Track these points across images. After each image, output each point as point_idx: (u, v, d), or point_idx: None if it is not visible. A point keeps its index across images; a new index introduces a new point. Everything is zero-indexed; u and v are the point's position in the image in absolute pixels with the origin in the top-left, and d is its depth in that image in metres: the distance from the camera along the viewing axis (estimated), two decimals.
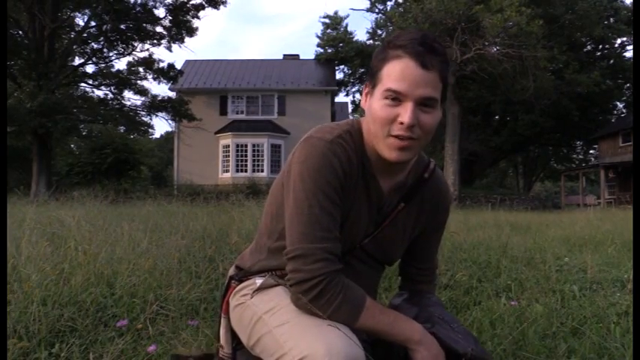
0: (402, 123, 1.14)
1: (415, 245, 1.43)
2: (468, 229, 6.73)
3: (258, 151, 25.04)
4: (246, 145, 25.14)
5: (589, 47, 31.44)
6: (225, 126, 25.91)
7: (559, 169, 39.17)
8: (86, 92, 23.54)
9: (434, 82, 1.15)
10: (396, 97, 1.14)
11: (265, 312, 1.21)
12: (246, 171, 24.73)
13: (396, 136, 1.16)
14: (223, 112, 26.65)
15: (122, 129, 25.60)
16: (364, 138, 1.26)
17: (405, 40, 1.15)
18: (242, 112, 26.76)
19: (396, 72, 1.14)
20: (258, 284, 1.31)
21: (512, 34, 18.67)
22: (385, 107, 1.15)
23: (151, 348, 1.94)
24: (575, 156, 40.00)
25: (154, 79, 23.38)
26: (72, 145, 31.60)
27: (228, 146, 25.32)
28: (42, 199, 8.90)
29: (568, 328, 2.34)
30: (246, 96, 26.84)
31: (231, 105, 26.82)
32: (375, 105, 1.18)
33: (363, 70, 28.69)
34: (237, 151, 25.18)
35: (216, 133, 25.56)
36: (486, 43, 19.50)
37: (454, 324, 1.25)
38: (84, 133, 26.29)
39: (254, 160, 25.00)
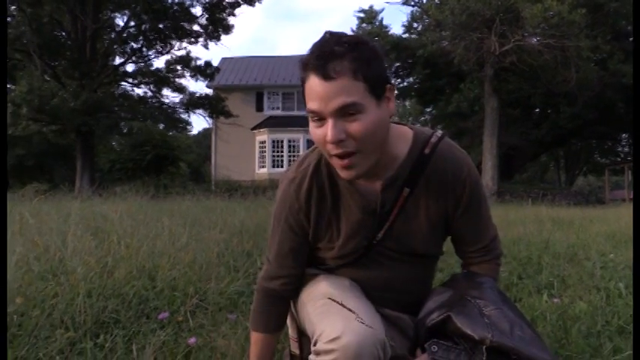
0: (328, 142, 1.12)
1: (451, 230, 1.38)
2: (507, 224, 6.61)
3: (294, 146, 25.14)
4: (282, 141, 25.28)
5: None
6: (262, 122, 26.11)
7: (603, 162, 37.88)
8: (126, 91, 24.07)
9: (345, 88, 1.08)
10: (318, 117, 1.13)
11: (306, 297, 1.37)
12: (282, 166, 24.87)
13: (336, 156, 1.14)
14: (259, 108, 26.85)
15: (161, 126, 26.11)
16: None
17: (308, 56, 1.12)
18: (278, 108, 26.91)
19: (308, 92, 1.12)
20: (305, 272, 1.44)
21: (554, 24, 18.06)
22: (315, 129, 1.15)
23: (192, 340, 1.98)
24: (620, 149, 38.60)
25: (192, 76, 23.67)
26: (113, 143, 32.44)
27: (264, 142, 25.52)
28: (86, 194, 9.20)
29: (614, 327, 2.27)
30: (282, 92, 26.96)
31: (267, 101, 27.01)
32: (311, 128, 1.18)
33: (398, 64, 28.38)
34: (274, 146, 25.35)
35: (253, 129, 25.79)
36: (526, 34, 18.96)
37: (490, 307, 1.16)
38: (124, 131, 26.89)
39: (290, 156, 25.12)
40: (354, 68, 1.09)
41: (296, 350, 1.54)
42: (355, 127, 1.11)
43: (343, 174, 1.18)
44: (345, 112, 1.10)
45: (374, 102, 1.13)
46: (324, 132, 1.13)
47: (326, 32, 1.16)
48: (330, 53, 1.09)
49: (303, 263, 1.40)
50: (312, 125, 1.16)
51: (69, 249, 2.97)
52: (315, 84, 1.10)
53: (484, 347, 1.08)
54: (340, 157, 1.14)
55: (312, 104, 1.12)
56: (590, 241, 5.06)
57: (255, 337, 1.43)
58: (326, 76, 1.08)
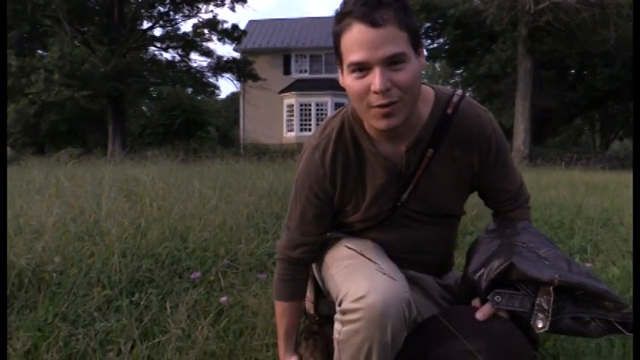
0: (375, 92, 1.10)
1: (481, 186, 1.37)
2: (539, 188, 6.51)
3: (321, 110, 24.99)
4: (310, 105, 25.14)
5: None
6: (289, 85, 25.96)
7: None
8: (155, 55, 24.16)
9: (393, 37, 1.08)
10: (361, 68, 1.10)
11: (329, 259, 1.37)
12: (310, 130, 24.79)
13: (377, 106, 1.12)
14: (287, 71, 26.67)
15: (189, 90, 26.23)
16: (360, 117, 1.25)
17: (349, 5, 1.10)
18: (306, 71, 26.66)
19: (351, 42, 1.10)
20: (327, 236, 1.44)
21: None
22: (355, 81, 1.13)
23: (223, 299, 2.03)
24: None
25: (219, 40, 23.57)
26: (143, 108, 32.79)
27: (292, 105, 25.43)
28: (118, 158, 9.37)
29: None
30: (309, 55, 26.66)
31: (295, 64, 26.77)
32: (347, 82, 1.16)
33: (428, 24, 27.66)
34: (301, 110, 25.24)
35: (280, 92, 25.69)
36: None
37: (543, 249, 1.17)
38: (154, 95, 27.15)
39: (318, 120, 25.00)
40: (399, 18, 1.09)
41: (310, 310, 1.58)
42: (401, 76, 1.10)
43: (382, 123, 1.15)
44: (392, 62, 1.09)
45: (413, 53, 1.14)
46: (368, 82, 1.11)
47: None
48: (377, 1, 1.08)
49: (326, 230, 1.41)
50: (351, 78, 1.14)
51: (103, 211, 3.05)
52: (360, 32, 1.08)
53: (551, 288, 1.09)
54: (382, 107, 1.13)
55: (356, 55, 1.10)
56: (625, 205, 4.94)
57: (283, 307, 1.44)
58: (374, 23, 1.07)
